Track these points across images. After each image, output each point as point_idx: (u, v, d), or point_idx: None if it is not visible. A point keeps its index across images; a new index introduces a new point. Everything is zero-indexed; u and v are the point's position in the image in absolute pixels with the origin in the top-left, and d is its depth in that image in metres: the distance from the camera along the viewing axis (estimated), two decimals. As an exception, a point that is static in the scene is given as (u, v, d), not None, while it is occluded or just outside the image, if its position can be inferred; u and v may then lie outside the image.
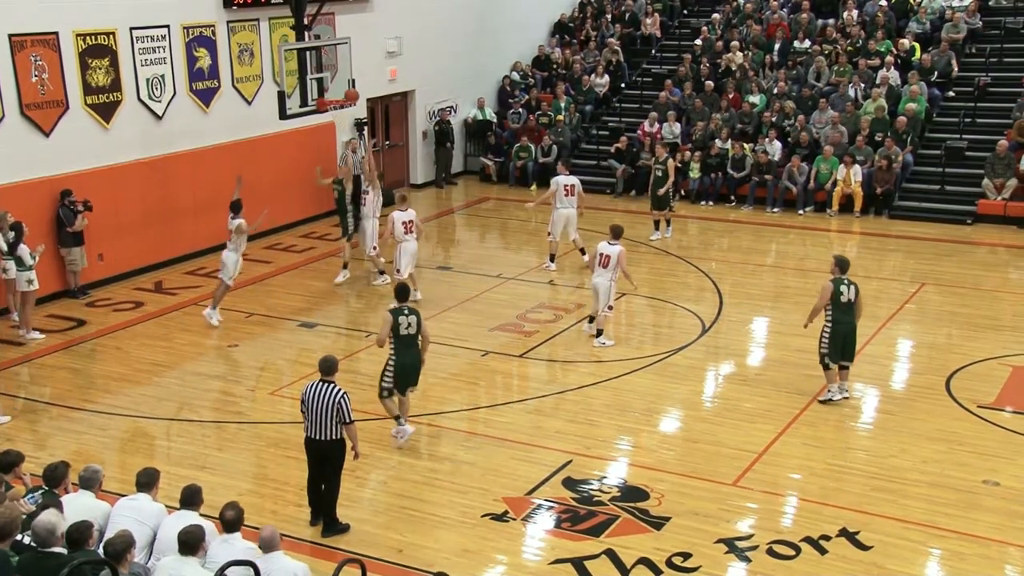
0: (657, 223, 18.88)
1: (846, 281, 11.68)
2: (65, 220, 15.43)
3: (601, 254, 13.57)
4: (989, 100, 21.64)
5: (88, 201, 15.54)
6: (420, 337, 10.83)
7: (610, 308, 13.71)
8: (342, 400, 9.04)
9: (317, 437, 9.13)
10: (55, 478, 7.87)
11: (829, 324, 11.68)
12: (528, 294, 16.03)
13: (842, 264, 11.81)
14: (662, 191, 18.52)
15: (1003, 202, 19.61)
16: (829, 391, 11.92)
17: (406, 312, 10.70)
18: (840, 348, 11.73)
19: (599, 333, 13.78)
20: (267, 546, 7.15)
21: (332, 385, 9.13)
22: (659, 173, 18.54)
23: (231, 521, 7.32)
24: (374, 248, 16.15)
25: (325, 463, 9.24)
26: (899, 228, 19.42)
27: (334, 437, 9.12)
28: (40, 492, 7.78)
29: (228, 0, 18.18)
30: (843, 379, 11.96)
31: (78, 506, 7.38)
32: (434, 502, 9.88)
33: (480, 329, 14.51)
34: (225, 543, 7.22)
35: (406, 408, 11.10)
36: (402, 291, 11.08)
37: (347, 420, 9.09)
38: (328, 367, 9.25)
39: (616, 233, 13.76)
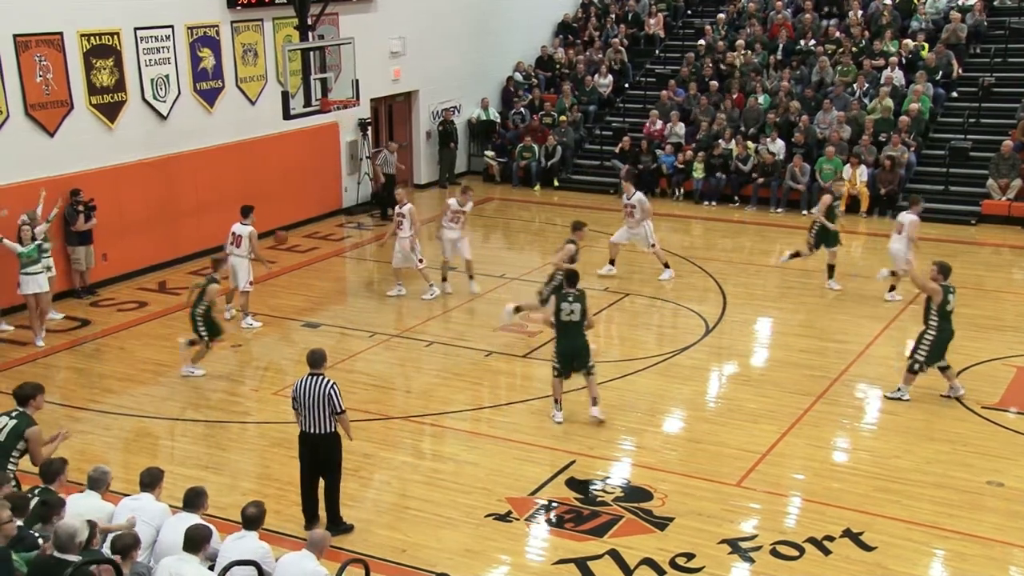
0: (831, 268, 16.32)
1: (952, 289, 11.69)
2: (68, 219, 15.46)
3: (898, 222, 15.07)
4: (993, 100, 21.62)
5: (91, 201, 15.55)
6: (585, 322, 11.29)
7: (908, 263, 14.04)
8: (332, 390, 9.01)
9: (311, 431, 9.10)
10: (50, 473, 7.87)
11: (934, 332, 11.65)
12: (532, 294, 15.99)
13: (945, 270, 11.73)
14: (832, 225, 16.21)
15: (1007, 202, 19.59)
16: (900, 389, 11.95)
17: (570, 299, 11.22)
18: (938, 354, 11.76)
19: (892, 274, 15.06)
20: (310, 546, 7.22)
21: (321, 377, 9.10)
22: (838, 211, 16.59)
23: (250, 518, 7.34)
24: (420, 261, 15.69)
25: (320, 458, 9.19)
26: (903, 228, 19.38)
27: (329, 430, 9.10)
28: (38, 489, 7.79)
29: (232, 0, 18.20)
30: (949, 378, 11.92)
31: (84, 506, 7.39)
32: (437, 502, 9.88)
33: (484, 329, 14.52)
34: (239, 540, 7.24)
35: (592, 389, 11.43)
36: (572, 277, 11.54)
37: (339, 410, 9.06)
38: (315, 359, 9.22)
39: (912, 203, 15.28)
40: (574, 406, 11.99)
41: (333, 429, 9.14)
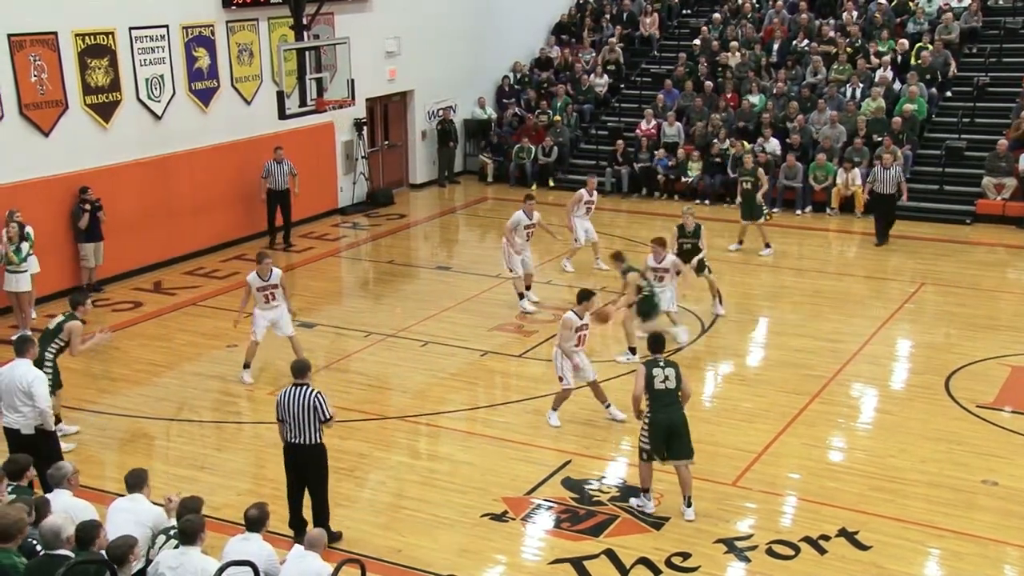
0: (743, 234, 18.15)
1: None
2: (73, 216, 15.51)
3: None
4: (988, 100, 21.64)
5: (98, 201, 15.58)
6: (680, 393, 9.55)
7: None
8: (317, 399, 8.85)
9: (297, 442, 8.94)
10: (17, 471, 7.81)
11: None
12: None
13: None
14: (760, 197, 17.77)
15: (1002, 202, 19.61)
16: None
17: (662, 364, 9.53)
18: None
19: None
20: (308, 546, 7.21)
21: (306, 387, 8.95)
22: (747, 185, 17.69)
23: (252, 519, 7.32)
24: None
25: (307, 470, 9.05)
26: (898, 228, 19.34)
27: (315, 441, 8.94)
28: (10, 487, 7.69)
29: (227, 0, 18.18)
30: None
31: (55, 505, 7.27)
32: (433, 502, 9.88)
33: (479, 329, 14.51)
34: (244, 542, 7.23)
35: (686, 484, 9.51)
36: (657, 341, 9.82)
37: (324, 418, 8.88)
38: (300, 369, 9.06)
39: None
40: (571, 406, 11.98)
41: (318, 440, 8.96)
